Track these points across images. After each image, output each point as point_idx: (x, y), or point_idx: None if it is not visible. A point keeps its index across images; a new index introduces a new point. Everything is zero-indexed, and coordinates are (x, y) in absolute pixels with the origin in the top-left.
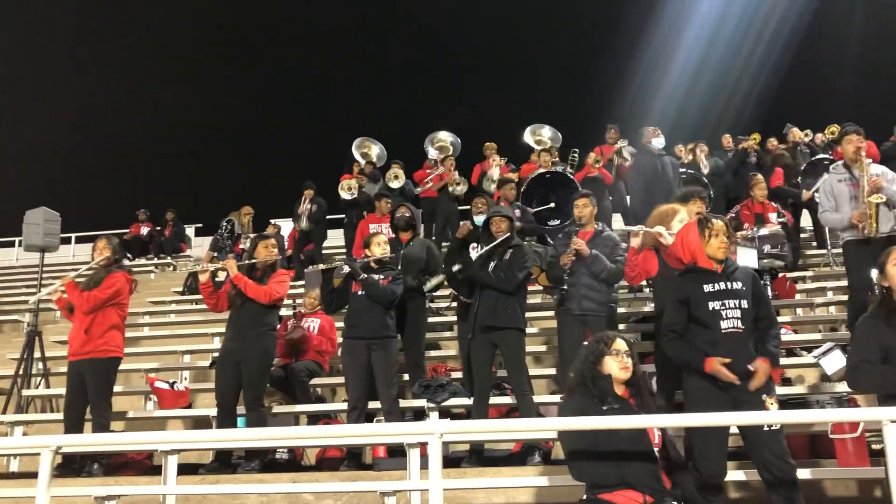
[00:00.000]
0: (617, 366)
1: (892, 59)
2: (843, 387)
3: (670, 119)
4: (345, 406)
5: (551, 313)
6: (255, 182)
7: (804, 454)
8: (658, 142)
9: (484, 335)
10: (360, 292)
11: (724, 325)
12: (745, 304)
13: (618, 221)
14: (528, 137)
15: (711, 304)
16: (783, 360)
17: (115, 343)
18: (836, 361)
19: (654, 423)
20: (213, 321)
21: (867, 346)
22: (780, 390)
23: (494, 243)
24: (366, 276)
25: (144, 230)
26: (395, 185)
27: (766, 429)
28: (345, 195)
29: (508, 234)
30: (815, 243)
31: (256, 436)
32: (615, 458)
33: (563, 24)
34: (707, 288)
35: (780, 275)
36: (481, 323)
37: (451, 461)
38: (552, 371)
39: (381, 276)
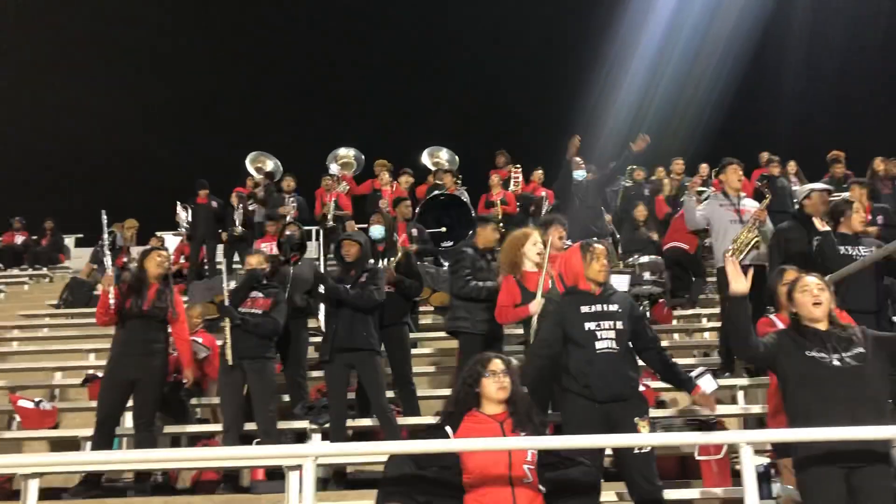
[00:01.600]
0: (494, 386)
1: (826, 92)
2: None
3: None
4: None
5: (442, 334)
6: (141, 194)
7: (675, 475)
8: (578, 174)
9: (340, 358)
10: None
11: (598, 345)
12: (619, 325)
13: None
14: (426, 159)
15: (587, 325)
16: (658, 384)
17: None
18: (707, 385)
19: (529, 444)
20: (89, 336)
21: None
22: (654, 413)
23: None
24: (241, 317)
25: (19, 239)
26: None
27: (636, 451)
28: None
29: (360, 258)
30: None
31: (126, 458)
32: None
33: (490, 49)
34: (584, 309)
35: (660, 301)
36: (338, 345)
37: (358, 483)
38: (443, 392)
39: (262, 296)
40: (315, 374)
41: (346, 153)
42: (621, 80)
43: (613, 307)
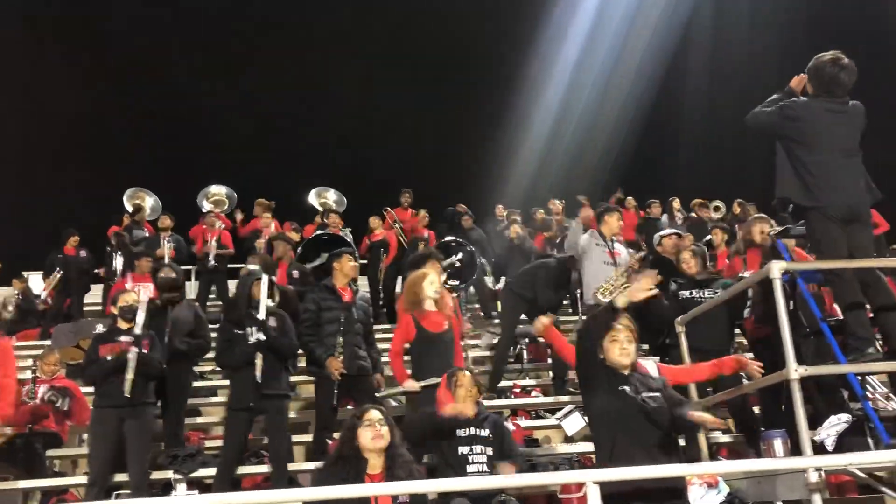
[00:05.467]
0: (370, 436)
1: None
2: (578, 448)
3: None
4: (85, 479)
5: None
6: (7, 232)
7: None
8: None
9: (260, 405)
10: (108, 357)
11: (469, 468)
12: (490, 451)
13: None
14: (313, 199)
15: (460, 449)
16: (531, 423)
17: None
18: (575, 423)
19: (390, 490)
20: None
21: None
22: (524, 450)
23: None
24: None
25: None
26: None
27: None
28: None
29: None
30: (570, 310)
31: None
32: None
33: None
34: (459, 432)
35: (539, 339)
36: (259, 391)
37: None
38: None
39: (130, 339)
40: (195, 420)
41: (218, 191)
42: (526, 125)
43: (485, 432)
